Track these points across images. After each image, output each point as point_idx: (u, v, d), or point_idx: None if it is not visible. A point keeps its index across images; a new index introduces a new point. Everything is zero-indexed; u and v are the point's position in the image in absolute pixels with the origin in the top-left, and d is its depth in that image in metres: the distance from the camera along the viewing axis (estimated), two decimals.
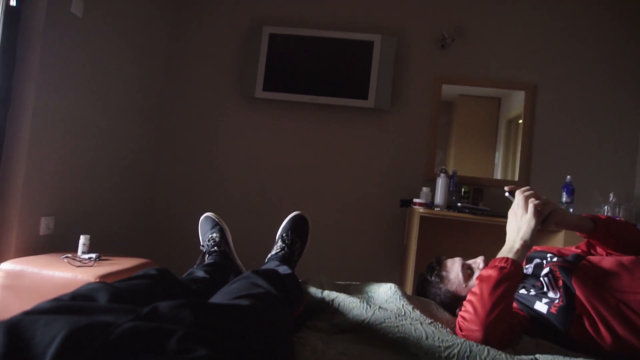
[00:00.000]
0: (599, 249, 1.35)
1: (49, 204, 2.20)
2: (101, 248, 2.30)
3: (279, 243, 1.52)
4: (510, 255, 1.13)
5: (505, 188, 1.28)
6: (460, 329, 1.07)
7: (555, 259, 1.28)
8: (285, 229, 1.56)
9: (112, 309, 0.65)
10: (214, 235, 1.52)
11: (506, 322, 1.07)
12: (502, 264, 1.11)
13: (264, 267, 1.40)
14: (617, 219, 1.34)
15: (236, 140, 3.27)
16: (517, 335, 1.12)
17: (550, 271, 1.24)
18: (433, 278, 1.47)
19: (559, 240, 2.60)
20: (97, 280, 1.76)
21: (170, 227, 3.25)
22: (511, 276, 1.08)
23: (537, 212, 1.16)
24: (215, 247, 1.48)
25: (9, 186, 2.02)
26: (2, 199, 2.02)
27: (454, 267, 1.45)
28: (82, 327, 0.55)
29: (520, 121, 3.17)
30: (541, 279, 1.26)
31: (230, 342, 0.60)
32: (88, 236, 2.10)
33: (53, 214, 2.23)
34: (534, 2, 3.17)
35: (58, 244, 2.24)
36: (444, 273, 1.46)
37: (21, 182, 2.02)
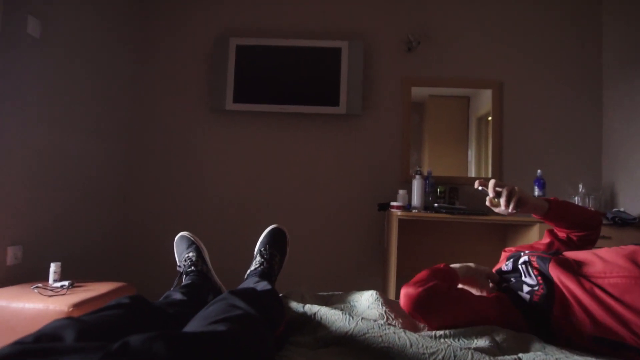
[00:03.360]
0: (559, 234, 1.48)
1: (15, 232, 2.11)
2: (74, 274, 2.22)
3: (258, 258, 1.49)
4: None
5: (476, 184, 1.37)
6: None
7: (532, 253, 1.34)
8: (264, 243, 1.53)
9: (79, 348, 0.61)
10: (190, 254, 1.48)
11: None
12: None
13: (243, 284, 1.37)
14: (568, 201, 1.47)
15: (209, 154, 3.22)
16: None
17: (528, 260, 1.32)
18: None
19: (534, 233, 2.64)
20: (71, 308, 1.70)
21: (146, 248, 3.17)
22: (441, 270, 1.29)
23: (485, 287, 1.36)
24: (192, 267, 1.44)
25: None
26: None
27: None
28: None
29: (490, 118, 3.23)
30: (519, 266, 1.33)
31: None
32: (59, 263, 2.03)
33: (20, 242, 2.14)
34: (497, 4, 3.25)
35: (27, 274, 2.15)
36: None
37: None
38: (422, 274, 1.24)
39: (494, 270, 1.47)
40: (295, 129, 3.22)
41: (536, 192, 2.86)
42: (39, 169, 2.26)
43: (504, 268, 1.42)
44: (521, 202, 1.33)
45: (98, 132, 2.80)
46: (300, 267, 3.08)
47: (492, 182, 1.35)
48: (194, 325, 0.81)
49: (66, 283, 1.94)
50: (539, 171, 2.89)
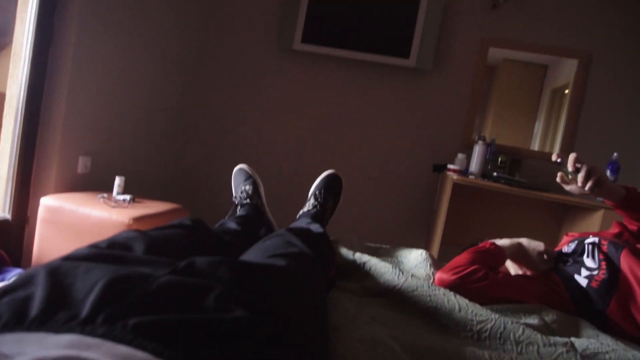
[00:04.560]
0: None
1: (87, 144, 2.24)
2: (135, 190, 2.35)
3: (312, 200, 1.50)
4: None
5: (554, 155, 1.28)
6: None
7: (604, 237, 1.26)
8: (319, 187, 1.54)
9: (149, 260, 0.64)
10: (247, 187, 1.52)
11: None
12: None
13: (295, 223, 1.39)
14: None
15: (272, 93, 3.22)
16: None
17: (598, 242, 1.24)
18: None
19: (596, 219, 2.50)
20: (131, 221, 1.80)
21: (203, 176, 3.29)
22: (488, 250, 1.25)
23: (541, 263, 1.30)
24: (248, 200, 1.48)
25: (50, 125, 2.06)
26: (43, 138, 2.06)
27: None
28: (121, 277, 0.55)
29: (567, 91, 2.99)
30: (585, 244, 1.26)
31: (266, 303, 0.59)
32: (123, 178, 2.14)
33: (90, 154, 2.27)
34: None
35: (94, 183, 2.30)
36: None
37: (61, 121, 2.05)
38: (462, 257, 1.19)
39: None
40: (361, 78, 3.13)
41: (608, 175, 2.67)
42: (113, 88, 2.35)
43: (565, 250, 1.36)
44: (599, 183, 1.23)
45: (170, 60, 2.85)
46: (349, 215, 3.09)
47: (572, 156, 1.25)
48: (253, 255, 0.84)
49: (128, 197, 2.05)
50: (615, 154, 2.69)
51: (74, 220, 1.83)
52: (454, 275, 1.12)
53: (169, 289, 0.55)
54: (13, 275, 1.74)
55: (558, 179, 1.31)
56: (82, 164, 2.22)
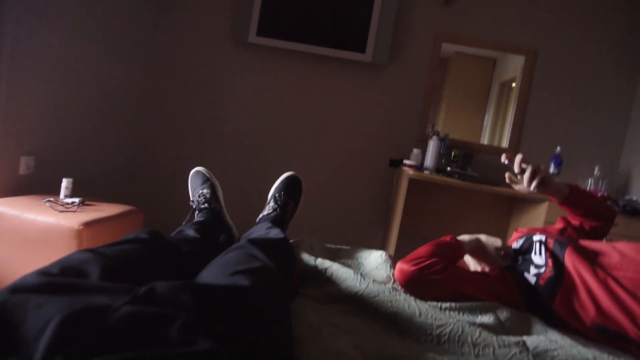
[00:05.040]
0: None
1: (29, 142, 2.10)
2: (85, 192, 2.24)
3: (271, 204, 1.49)
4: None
5: (503, 157, 1.35)
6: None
7: (550, 235, 1.33)
8: (278, 190, 1.52)
9: (107, 287, 0.61)
10: (205, 191, 1.48)
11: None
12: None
13: (255, 228, 1.38)
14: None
15: (228, 88, 3.14)
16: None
17: (545, 240, 1.31)
18: None
19: (541, 211, 2.64)
20: (81, 226, 1.72)
21: (156, 174, 3.18)
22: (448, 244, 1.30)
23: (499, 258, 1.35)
24: (206, 204, 1.45)
25: None
26: None
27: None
28: (77, 312, 0.52)
29: (514, 84, 3.12)
30: (533, 241, 1.34)
31: (231, 330, 0.58)
32: (71, 179, 2.04)
33: (34, 153, 2.14)
34: None
35: (39, 185, 2.17)
36: None
37: (0, 118, 1.92)
38: (423, 250, 1.24)
39: None
40: (317, 73, 3.12)
41: (552, 169, 2.82)
42: (56, 81, 2.21)
43: (514, 246, 1.43)
44: (544, 182, 1.30)
45: (119, 51, 2.72)
46: (308, 211, 3.09)
47: (518, 157, 1.32)
48: (214, 272, 0.82)
49: (77, 200, 1.95)
50: (558, 148, 2.84)
51: (18, 227, 1.73)
52: (413, 266, 1.16)
53: (129, 321, 0.53)
54: None
55: (507, 180, 1.38)
56: (25, 165, 2.09)
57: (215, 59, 3.13)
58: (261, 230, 1.33)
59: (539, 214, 2.65)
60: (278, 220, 1.43)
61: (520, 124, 3.10)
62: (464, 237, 1.36)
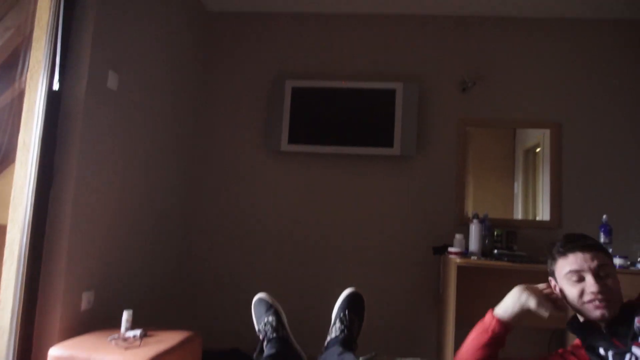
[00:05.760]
0: None
1: (89, 277, 2.19)
2: (143, 318, 2.27)
3: (338, 324, 1.49)
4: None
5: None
6: None
7: None
8: (342, 309, 1.53)
9: None
10: (270, 319, 1.50)
11: None
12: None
13: (327, 354, 1.37)
14: None
15: (266, 193, 3.27)
16: None
17: None
18: None
19: None
20: None
21: (209, 288, 3.23)
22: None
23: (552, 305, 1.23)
24: (274, 333, 1.45)
25: (53, 264, 2.01)
26: (47, 280, 2.01)
27: None
28: None
29: (538, 150, 3.14)
30: (636, 326, 1.14)
31: None
32: (131, 311, 2.08)
33: (93, 287, 2.21)
34: (553, 44, 3.20)
35: (98, 318, 2.22)
36: None
37: (64, 258, 2.02)
38: (466, 352, 1.26)
39: None
40: (349, 170, 3.24)
41: (602, 238, 2.75)
42: (113, 212, 2.35)
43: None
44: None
45: (164, 169, 2.90)
46: None
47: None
48: None
49: (138, 333, 1.98)
50: (604, 217, 2.79)
51: None
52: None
53: None
54: None
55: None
56: (86, 300, 2.16)
57: (250, 166, 3.30)
58: (333, 356, 1.32)
59: None
60: (347, 342, 1.42)
61: (558, 196, 3.08)
62: (502, 308, 1.28)
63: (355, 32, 3.34)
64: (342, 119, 3.19)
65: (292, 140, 3.18)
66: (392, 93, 3.14)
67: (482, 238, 2.88)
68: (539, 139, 3.17)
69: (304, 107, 3.20)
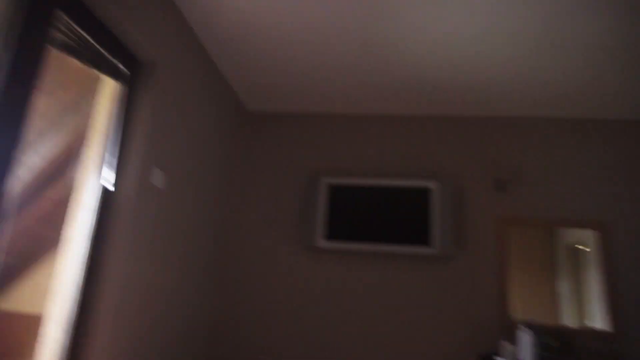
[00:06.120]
0: None
1: None
2: None
3: None
4: None
5: None
6: None
7: None
8: None
9: None
10: None
11: None
12: None
13: None
14: None
15: (300, 290, 3.15)
16: None
17: None
18: None
19: None
20: None
21: None
22: None
23: None
24: None
25: None
26: None
27: None
28: None
29: (580, 247, 2.98)
30: None
31: None
32: None
33: None
34: (589, 143, 3.19)
35: None
36: None
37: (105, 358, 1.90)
38: None
39: None
40: (386, 269, 3.12)
41: None
42: (147, 313, 2.26)
43: None
44: None
45: (194, 267, 2.84)
46: None
47: None
48: None
49: None
50: None
51: None
52: None
53: None
54: None
55: None
56: None
57: (285, 263, 3.21)
58: None
59: None
60: None
61: (613, 301, 2.87)
62: None
63: (388, 131, 3.42)
64: (377, 216, 3.15)
65: (328, 236, 3.13)
66: (426, 191, 3.13)
67: (534, 348, 2.65)
68: (579, 237, 3.04)
69: (339, 203, 3.19)
